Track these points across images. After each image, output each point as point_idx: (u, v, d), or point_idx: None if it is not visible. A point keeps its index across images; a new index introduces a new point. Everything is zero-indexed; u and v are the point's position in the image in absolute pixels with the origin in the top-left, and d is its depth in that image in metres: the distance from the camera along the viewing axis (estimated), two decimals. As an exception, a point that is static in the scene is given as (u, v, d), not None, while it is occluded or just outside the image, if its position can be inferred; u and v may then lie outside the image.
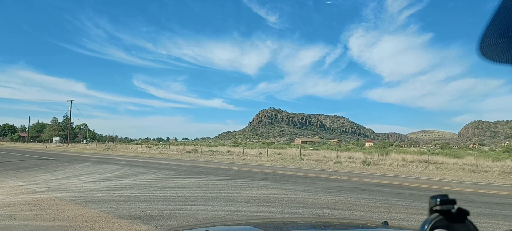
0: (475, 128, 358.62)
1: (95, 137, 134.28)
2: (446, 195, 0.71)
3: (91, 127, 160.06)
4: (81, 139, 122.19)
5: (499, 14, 0.55)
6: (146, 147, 64.22)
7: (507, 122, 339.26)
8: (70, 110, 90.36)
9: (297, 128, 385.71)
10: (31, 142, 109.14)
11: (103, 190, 11.75)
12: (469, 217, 0.72)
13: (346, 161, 32.42)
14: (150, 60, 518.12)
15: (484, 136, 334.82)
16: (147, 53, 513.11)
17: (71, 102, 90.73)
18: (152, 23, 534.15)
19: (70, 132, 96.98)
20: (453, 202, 0.70)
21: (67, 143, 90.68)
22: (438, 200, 0.70)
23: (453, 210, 0.71)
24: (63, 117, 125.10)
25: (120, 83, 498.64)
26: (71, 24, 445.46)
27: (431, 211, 0.72)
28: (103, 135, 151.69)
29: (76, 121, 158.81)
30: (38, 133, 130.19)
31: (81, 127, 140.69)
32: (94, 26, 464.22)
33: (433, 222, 0.70)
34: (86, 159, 30.10)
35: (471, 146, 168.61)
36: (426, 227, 0.70)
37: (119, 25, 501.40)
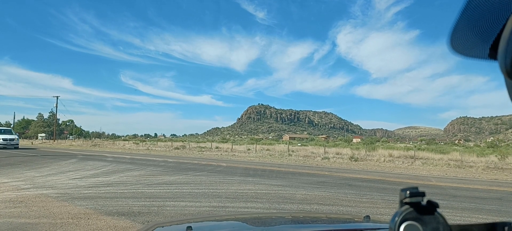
0: (460, 124, 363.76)
1: (81, 133, 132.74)
2: (416, 188, 0.72)
3: (77, 123, 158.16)
4: (68, 135, 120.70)
5: (469, 8, 0.56)
6: (133, 143, 63.71)
7: (492, 118, 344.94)
8: (56, 107, 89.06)
9: (285, 124, 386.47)
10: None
11: (89, 187, 11.65)
12: (438, 209, 0.73)
13: (333, 157, 32.61)
14: (138, 56, 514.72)
15: (469, 132, 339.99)
16: (135, 48, 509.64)
17: (57, 98, 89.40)
18: (139, 18, 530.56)
19: (56, 128, 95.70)
20: (423, 194, 0.71)
21: (53, 139, 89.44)
22: (408, 192, 0.72)
23: (423, 203, 0.72)
24: (49, 113, 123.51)
25: (107, 79, 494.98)
26: (57, 19, 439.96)
27: (402, 203, 0.73)
28: (90, 131, 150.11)
29: (62, 117, 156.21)
30: (23, 129, 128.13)
31: (68, 123, 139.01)
32: (80, 21, 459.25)
33: (403, 214, 0.72)
34: (72, 156, 29.75)
35: (456, 141, 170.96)
36: (396, 219, 0.72)
37: (106, 20, 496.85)
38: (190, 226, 1.63)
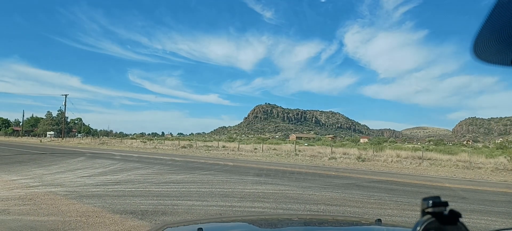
0: (469, 124, 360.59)
1: (89, 131, 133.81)
2: (438, 197, 0.71)
3: (85, 121, 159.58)
4: (76, 133, 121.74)
5: (493, 15, 0.55)
6: (141, 141, 64.04)
7: (501, 119, 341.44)
8: (65, 105, 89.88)
9: (292, 123, 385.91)
10: (25, 136, 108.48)
11: (97, 185, 11.73)
12: (461, 219, 0.72)
13: (340, 157, 32.50)
14: (145, 55, 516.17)
15: (478, 132, 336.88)
16: (142, 47, 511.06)
17: (66, 97, 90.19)
18: (147, 17, 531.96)
19: (64, 126, 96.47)
20: (445, 204, 0.71)
21: (61, 137, 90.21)
22: (431, 202, 0.71)
23: (445, 212, 0.71)
24: (58, 111, 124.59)
25: (115, 77, 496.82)
26: (65, 18, 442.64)
27: (423, 213, 0.72)
28: (98, 130, 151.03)
29: (70, 115, 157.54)
30: (32, 127, 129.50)
31: (76, 121, 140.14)
32: (88, 19, 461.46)
33: (425, 224, 0.71)
34: (80, 154, 29.98)
35: (465, 142, 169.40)
36: (418, 228, 0.71)
37: (114, 19, 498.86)
38: (201, 228, 1.63)
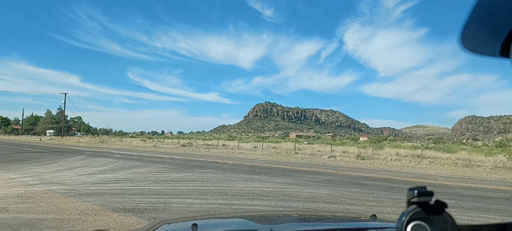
0: (468, 123, 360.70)
1: (89, 130, 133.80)
2: (424, 187, 0.71)
3: (85, 120, 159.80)
4: (75, 132, 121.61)
5: (480, 5, 0.55)
6: (140, 140, 64.02)
7: (500, 117, 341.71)
8: (64, 103, 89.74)
9: (292, 122, 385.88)
10: (25, 134, 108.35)
11: (96, 183, 11.73)
12: (447, 209, 0.72)
13: (340, 155, 32.51)
14: (145, 53, 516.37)
15: (478, 131, 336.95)
16: (142, 46, 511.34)
17: (65, 95, 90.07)
18: (147, 15, 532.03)
19: (64, 125, 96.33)
20: (431, 194, 0.70)
21: (61, 135, 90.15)
22: (416, 192, 0.71)
23: (431, 202, 0.71)
24: (57, 109, 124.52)
25: (114, 76, 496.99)
26: (65, 16, 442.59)
27: (409, 203, 0.72)
28: (98, 128, 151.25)
29: (70, 114, 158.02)
30: (32, 125, 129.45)
31: (76, 120, 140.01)
32: (88, 18, 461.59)
33: (411, 214, 0.71)
34: (80, 152, 29.98)
35: (464, 141, 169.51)
36: (403, 218, 0.71)
37: (113, 17, 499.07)
38: (196, 223, 1.64)
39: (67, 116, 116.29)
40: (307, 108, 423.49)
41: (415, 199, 0.70)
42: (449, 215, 0.71)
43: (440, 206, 0.71)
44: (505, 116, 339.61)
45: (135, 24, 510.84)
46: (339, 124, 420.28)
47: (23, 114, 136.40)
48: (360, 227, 1.57)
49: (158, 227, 1.71)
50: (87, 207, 7.96)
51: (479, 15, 0.57)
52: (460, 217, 8.06)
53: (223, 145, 47.95)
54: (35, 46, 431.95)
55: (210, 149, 42.27)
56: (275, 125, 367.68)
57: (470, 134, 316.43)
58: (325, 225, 2.02)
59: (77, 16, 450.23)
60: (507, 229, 0.75)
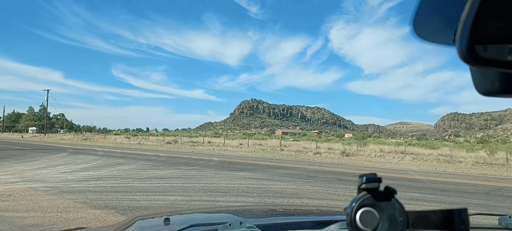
0: (451, 119, 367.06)
1: (72, 127, 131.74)
2: (374, 174, 0.72)
3: (68, 117, 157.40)
4: (58, 129, 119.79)
5: None
6: (125, 137, 63.38)
7: (482, 114, 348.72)
8: (47, 100, 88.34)
9: (278, 119, 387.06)
10: (6, 132, 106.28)
11: (79, 181, 11.59)
12: (396, 196, 0.74)
13: (325, 152, 32.76)
14: (129, 49, 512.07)
15: (460, 127, 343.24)
16: (126, 42, 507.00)
17: (48, 92, 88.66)
18: (130, 11, 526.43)
19: (47, 122, 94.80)
20: (379, 180, 0.72)
21: (43, 133, 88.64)
22: (365, 178, 0.72)
23: (381, 189, 0.73)
24: (40, 106, 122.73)
25: (98, 72, 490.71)
26: (47, 11, 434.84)
27: (359, 189, 0.74)
28: (81, 125, 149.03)
29: (53, 111, 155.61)
30: (13, 122, 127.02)
31: (58, 117, 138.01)
32: (71, 13, 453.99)
33: (360, 200, 0.72)
34: (62, 150, 29.55)
35: (446, 137, 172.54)
36: (353, 205, 0.72)
37: (96, 13, 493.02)
38: (168, 218, 1.65)
39: (49, 112, 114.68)
40: (293, 106, 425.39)
41: (364, 186, 0.72)
42: (398, 201, 0.73)
43: (389, 193, 0.72)
44: (486, 112, 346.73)
45: (119, 20, 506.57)
46: (324, 120, 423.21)
47: (4, 111, 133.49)
48: (328, 219, 1.60)
49: (133, 223, 1.72)
50: (69, 205, 7.86)
51: (431, 3, 0.57)
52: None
53: (209, 142, 47.82)
54: (17, 42, 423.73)
55: (195, 146, 42.12)
56: (261, 122, 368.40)
57: (452, 130, 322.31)
58: (293, 219, 2.06)
59: (59, 11, 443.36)
60: (453, 215, 0.77)
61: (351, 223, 0.71)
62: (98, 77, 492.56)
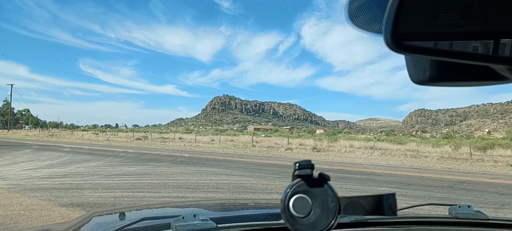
0: (418, 115, 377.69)
1: (38, 123, 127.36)
2: (308, 161, 0.74)
3: (34, 113, 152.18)
4: (23, 125, 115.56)
5: None
6: (93, 133, 61.93)
7: (447, 110, 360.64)
8: (11, 95, 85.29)
9: (250, 115, 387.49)
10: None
11: (43, 178, 11.23)
12: (329, 182, 0.75)
13: (297, 148, 33.11)
14: (98, 43, 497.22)
15: (426, 123, 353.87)
16: (95, 35, 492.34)
17: (12, 86, 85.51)
18: (99, 4, 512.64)
19: (10, 118, 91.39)
20: (312, 166, 0.73)
21: (7, 129, 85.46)
22: (297, 164, 0.73)
23: (314, 176, 0.74)
24: (3, 101, 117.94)
25: (65, 67, 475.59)
26: (11, 3, 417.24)
27: (294, 176, 0.75)
28: (47, 121, 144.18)
29: (17, 106, 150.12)
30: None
31: (23, 113, 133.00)
32: (36, 5, 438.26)
33: (294, 187, 0.73)
34: (27, 146, 28.57)
35: (414, 133, 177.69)
36: (287, 191, 0.73)
37: (64, 5, 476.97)
38: (124, 213, 1.63)
39: (13, 108, 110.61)
40: (265, 102, 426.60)
41: (297, 172, 0.73)
42: (330, 187, 0.74)
43: (322, 179, 0.74)
44: (451, 109, 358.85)
45: (87, 13, 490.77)
46: (296, 116, 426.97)
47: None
48: (273, 212, 1.64)
49: (89, 220, 1.69)
50: (33, 203, 7.61)
51: None
52: (406, 205, 8.44)
53: (180, 138, 47.39)
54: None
55: (166, 142, 41.64)
56: (233, 118, 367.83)
57: (419, 126, 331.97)
58: (249, 211, 2.08)
59: (24, 3, 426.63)
60: (382, 199, 0.80)
61: (285, 210, 0.72)
62: (65, 72, 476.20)
